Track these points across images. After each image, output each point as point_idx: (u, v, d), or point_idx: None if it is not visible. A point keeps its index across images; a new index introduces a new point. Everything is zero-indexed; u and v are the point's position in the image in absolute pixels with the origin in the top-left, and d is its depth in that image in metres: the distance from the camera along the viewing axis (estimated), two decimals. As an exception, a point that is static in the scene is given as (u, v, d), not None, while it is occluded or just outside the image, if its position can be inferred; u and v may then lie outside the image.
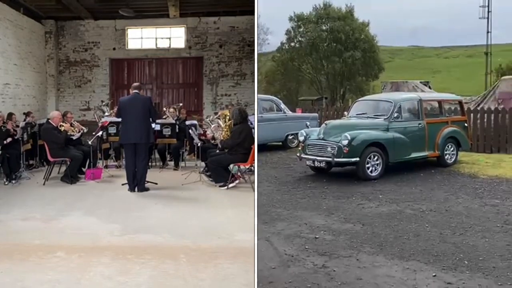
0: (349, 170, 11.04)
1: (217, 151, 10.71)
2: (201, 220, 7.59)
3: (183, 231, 6.97)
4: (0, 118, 11.46)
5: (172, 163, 13.10)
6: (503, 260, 5.68)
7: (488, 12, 32.73)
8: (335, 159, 10.49)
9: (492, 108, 14.98)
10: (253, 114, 12.93)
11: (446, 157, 11.86)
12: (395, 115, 11.19)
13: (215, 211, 8.22)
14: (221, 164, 10.18)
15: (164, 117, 13.02)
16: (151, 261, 5.67)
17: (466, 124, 12.64)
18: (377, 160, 10.68)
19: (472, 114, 14.66)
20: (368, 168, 10.59)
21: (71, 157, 10.82)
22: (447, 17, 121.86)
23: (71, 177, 10.63)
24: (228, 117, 11.17)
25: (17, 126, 11.62)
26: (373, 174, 10.60)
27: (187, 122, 12.79)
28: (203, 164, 11.52)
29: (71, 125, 11.75)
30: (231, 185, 10.00)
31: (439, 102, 12.87)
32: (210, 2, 16.87)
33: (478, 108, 15.43)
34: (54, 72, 17.96)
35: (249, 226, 7.02)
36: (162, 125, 12.31)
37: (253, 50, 17.76)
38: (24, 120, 12.68)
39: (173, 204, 8.77)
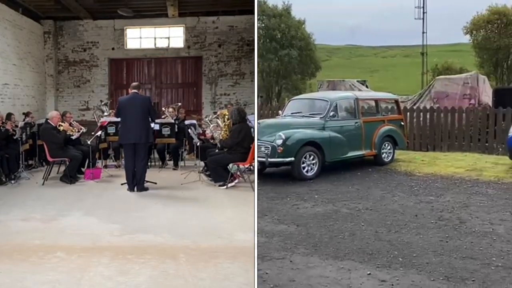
0: (284, 170, 10.88)
1: (216, 150, 10.72)
2: (200, 220, 7.59)
3: (183, 230, 6.97)
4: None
5: (171, 162, 13.12)
6: (436, 256, 5.76)
7: (424, 13, 32.78)
8: (269, 159, 10.25)
9: (428, 107, 15.12)
10: (252, 113, 12.98)
11: (383, 155, 11.79)
12: (331, 114, 11.03)
13: (215, 210, 8.23)
14: (221, 163, 10.19)
15: (163, 116, 13.02)
16: (151, 261, 5.67)
17: (402, 123, 12.65)
18: (313, 159, 10.51)
19: (408, 113, 14.73)
20: (304, 168, 10.40)
21: (70, 157, 10.82)
22: (384, 17, 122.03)
23: (70, 177, 10.63)
24: (227, 116, 11.18)
25: (16, 126, 11.61)
26: (309, 174, 10.42)
27: (187, 122, 12.80)
28: (202, 163, 11.53)
29: (70, 125, 11.74)
30: (230, 184, 10.01)
31: (376, 101, 12.89)
32: (209, 1, 16.87)
33: (414, 107, 15.49)
34: (53, 72, 17.94)
35: (248, 225, 7.04)
36: (161, 124, 12.31)
37: (252, 49, 17.77)
38: (24, 120, 12.68)
39: (173, 204, 8.78)
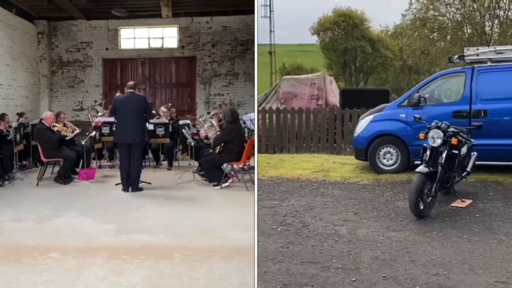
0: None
1: (210, 150, 10.73)
2: (195, 220, 7.59)
3: (178, 230, 6.98)
4: (-6, 119, 11.45)
5: (165, 163, 13.11)
6: (274, 264, 5.58)
7: (270, 11, 32.26)
8: None
9: (274, 107, 14.62)
10: (246, 113, 13.01)
11: None
12: None
13: (210, 210, 8.24)
14: (215, 163, 10.20)
15: (156, 117, 13.01)
16: (146, 261, 5.68)
17: None
18: None
19: None
20: None
21: (65, 158, 10.80)
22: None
23: (64, 178, 10.62)
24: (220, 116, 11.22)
25: (10, 126, 11.57)
26: None
27: (181, 122, 12.81)
28: (196, 163, 11.54)
29: (64, 125, 11.73)
30: (224, 184, 10.02)
31: None
32: (203, 2, 16.85)
33: (260, 108, 14.98)
34: (47, 72, 17.88)
35: (243, 225, 7.06)
36: (155, 124, 12.30)
37: (246, 49, 17.78)
38: (17, 120, 12.65)
39: (168, 204, 8.78)
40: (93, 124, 12.05)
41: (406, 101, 9.82)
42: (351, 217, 7.21)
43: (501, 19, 24.20)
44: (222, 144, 10.13)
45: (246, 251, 5.96)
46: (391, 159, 9.75)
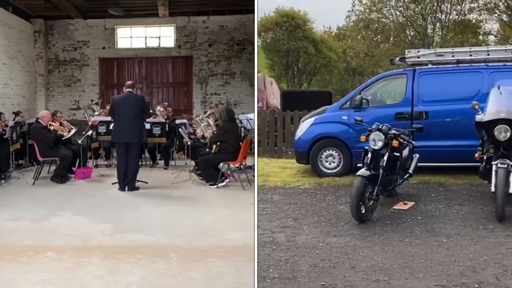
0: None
1: (207, 150, 10.74)
2: (192, 219, 7.60)
3: (174, 230, 6.99)
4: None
5: (162, 162, 13.12)
6: None
7: None
8: None
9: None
10: (242, 113, 13.02)
11: None
12: None
13: (206, 210, 8.24)
14: (211, 163, 10.21)
15: (153, 116, 13.00)
16: (142, 261, 5.68)
17: None
18: None
19: None
20: None
21: (61, 157, 10.79)
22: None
23: (61, 177, 10.60)
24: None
25: (6, 125, 11.56)
26: None
27: (177, 121, 12.81)
28: (193, 163, 11.55)
29: (61, 124, 11.72)
30: (221, 184, 10.03)
31: None
32: (199, 1, 16.87)
33: None
34: (44, 71, 17.86)
35: (240, 224, 7.08)
36: (152, 124, 12.29)
37: (242, 49, 17.79)
38: (14, 119, 12.63)
39: (164, 203, 8.79)
40: (90, 123, 12.04)
41: (348, 103, 9.75)
42: (291, 223, 7.00)
43: (443, 22, 24.44)
44: (219, 143, 10.13)
45: (242, 250, 5.98)
46: (333, 162, 9.65)
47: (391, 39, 26.05)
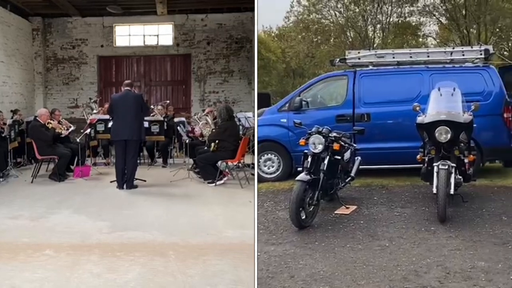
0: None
1: (205, 148, 10.75)
2: (190, 217, 7.61)
3: (172, 228, 6.99)
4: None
5: (160, 160, 13.12)
6: None
7: None
8: None
9: None
10: (241, 111, 13.03)
11: None
12: None
13: (204, 208, 8.25)
14: (210, 161, 10.22)
15: (152, 114, 13.02)
16: (140, 258, 5.69)
17: None
18: None
19: None
20: None
21: (59, 155, 10.79)
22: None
23: (59, 175, 10.61)
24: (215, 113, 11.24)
25: (4, 124, 11.57)
26: None
27: (176, 119, 12.82)
28: (191, 161, 11.56)
29: (59, 122, 11.72)
30: (219, 182, 10.04)
31: None
32: (198, -1, 16.88)
33: None
34: (42, 69, 17.85)
35: (237, 222, 7.09)
36: (150, 122, 12.31)
37: (241, 47, 17.78)
38: (12, 118, 12.62)
39: (162, 201, 8.79)
40: (88, 122, 12.06)
41: (287, 105, 9.67)
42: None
43: (383, 24, 24.47)
44: (217, 141, 10.14)
45: (240, 248, 5.99)
46: (272, 167, 9.58)
47: (332, 40, 25.80)
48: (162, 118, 12.77)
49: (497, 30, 23.78)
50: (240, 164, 11.02)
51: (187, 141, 11.74)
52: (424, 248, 5.82)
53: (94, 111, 13.28)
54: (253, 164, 10.81)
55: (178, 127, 11.90)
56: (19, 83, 16.71)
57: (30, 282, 5.05)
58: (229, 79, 17.92)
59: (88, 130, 11.73)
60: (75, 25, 18.03)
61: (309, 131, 7.14)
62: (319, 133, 7.02)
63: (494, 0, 22.23)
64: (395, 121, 9.24)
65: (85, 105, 14.88)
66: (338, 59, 10.04)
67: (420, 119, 7.25)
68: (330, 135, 7.08)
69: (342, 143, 7.24)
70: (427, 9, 23.78)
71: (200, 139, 11.68)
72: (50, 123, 11.15)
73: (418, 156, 7.64)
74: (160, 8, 16.84)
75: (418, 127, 7.36)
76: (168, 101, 15.19)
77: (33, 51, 17.76)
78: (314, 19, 25.31)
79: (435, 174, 6.80)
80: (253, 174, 10.21)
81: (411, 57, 9.58)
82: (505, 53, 22.54)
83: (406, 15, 24.39)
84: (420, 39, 25.24)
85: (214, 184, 9.98)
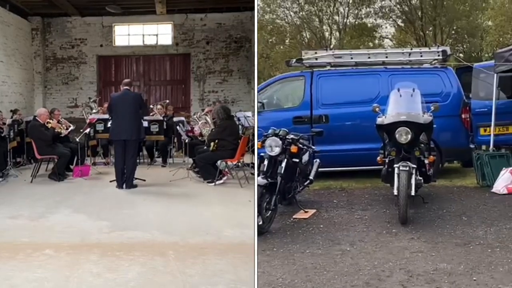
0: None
1: (205, 147, 10.75)
2: (189, 217, 7.61)
3: (172, 227, 6.99)
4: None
5: (160, 159, 13.12)
6: None
7: None
8: None
9: None
10: (240, 111, 13.03)
11: None
12: None
13: (203, 207, 8.24)
14: (209, 160, 10.21)
15: (151, 114, 13.02)
16: (140, 258, 5.69)
17: None
18: None
19: None
20: None
21: (59, 155, 10.79)
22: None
23: (58, 175, 10.60)
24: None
25: (4, 123, 11.56)
26: None
27: (175, 119, 12.81)
28: (191, 160, 11.56)
29: (59, 122, 11.71)
30: (219, 181, 10.03)
31: None
32: (197, -2, 16.89)
33: None
34: (41, 69, 17.85)
35: (237, 222, 7.08)
36: (149, 122, 12.31)
37: (240, 47, 17.79)
38: (11, 117, 12.62)
39: (162, 201, 8.79)
40: (87, 121, 12.05)
41: None
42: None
43: (340, 25, 24.41)
44: (216, 141, 10.14)
45: (239, 248, 5.99)
46: None
47: (287, 41, 25.78)
48: (161, 118, 12.76)
49: (453, 32, 23.88)
50: (239, 164, 11.02)
51: (186, 140, 11.73)
52: (386, 251, 5.73)
53: (94, 111, 13.28)
54: (252, 163, 10.81)
55: (178, 127, 11.90)
56: (18, 83, 16.71)
57: (29, 282, 5.04)
58: (228, 79, 17.93)
59: (88, 130, 11.72)
60: (74, 25, 18.04)
61: (265, 134, 7.00)
62: (276, 135, 6.88)
63: (449, 2, 22.35)
64: (354, 123, 9.21)
65: (85, 105, 14.87)
66: (294, 60, 9.94)
67: (380, 120, 7.19)
68: (287, 137, 6.93)
69: (300, 146, 7.11)
70: (383, 10, 23.84)
71: (200, 138, 11.67)
72: (50, 122, 11.15)
73: (378, 158, 7.58)
74: (160, 7, 16.85)
75: (378, 128, 7.29)
76: (167, 101, 15.18)
77: (33, 50, 17.77)
78: (269, 19, 25.23)
79: (396, 175, 6.73)
80: (252, 174, 10.20)
81: (369, 57, 9.53)
82: (460, 55, 22.65)
83: (363, 16, 24.42)
84: (377, 41, 25.35)
85: (213, 183, 9.97)
